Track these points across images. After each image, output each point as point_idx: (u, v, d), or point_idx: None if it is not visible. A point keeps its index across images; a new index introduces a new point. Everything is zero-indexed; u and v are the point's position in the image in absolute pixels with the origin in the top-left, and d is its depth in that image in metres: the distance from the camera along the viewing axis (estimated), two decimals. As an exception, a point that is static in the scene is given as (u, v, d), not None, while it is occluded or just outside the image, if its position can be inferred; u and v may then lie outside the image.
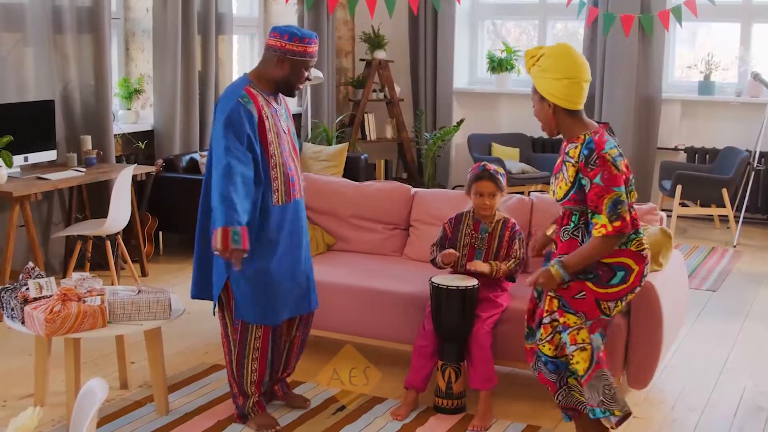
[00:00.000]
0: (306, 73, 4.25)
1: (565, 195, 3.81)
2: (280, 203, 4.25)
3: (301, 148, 8.25)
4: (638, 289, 3.87)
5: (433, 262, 4.91)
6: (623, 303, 3.86)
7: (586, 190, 3.73)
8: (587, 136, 3.73)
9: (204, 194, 4.28)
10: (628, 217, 3.70)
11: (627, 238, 3.77)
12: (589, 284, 3.78)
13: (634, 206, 5.12)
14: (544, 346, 3.93)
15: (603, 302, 3.80)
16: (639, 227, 3.83)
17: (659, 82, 9.69)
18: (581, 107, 3.83)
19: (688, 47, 10.35)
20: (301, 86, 4.30)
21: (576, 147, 3.75)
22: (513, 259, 4.80)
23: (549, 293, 3.87)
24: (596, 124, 3.83)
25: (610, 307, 3.82)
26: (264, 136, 4.17)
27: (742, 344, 5.89)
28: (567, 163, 3.79)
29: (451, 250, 4.77)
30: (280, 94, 4.35)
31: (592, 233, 3.71)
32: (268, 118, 4.19)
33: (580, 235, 3.81)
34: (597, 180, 3.68)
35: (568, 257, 3.77)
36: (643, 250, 3.82)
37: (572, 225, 3.84)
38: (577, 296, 3.79)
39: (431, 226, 5.51)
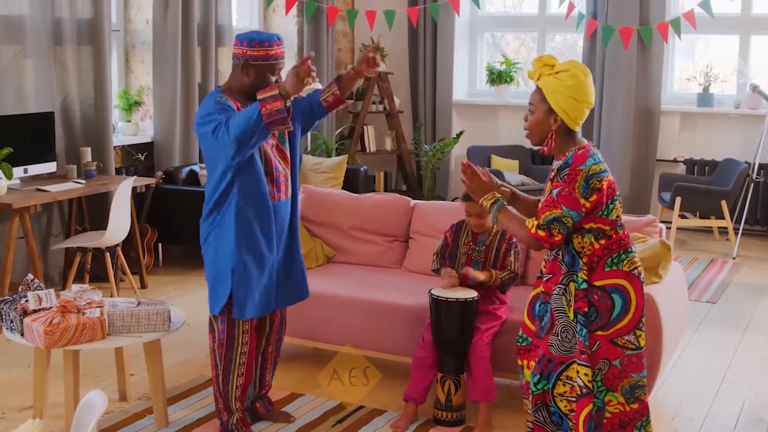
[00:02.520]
0: (273, 78, 4.18)
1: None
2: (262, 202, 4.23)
3: (300, 161, 8.26)
4: (645, 311, 3.74)
5: (435, 271, 4.92)
6: (643, 329, 3.72)
7: (544, 195, 3.68)
8: (570, 152, 3.66)
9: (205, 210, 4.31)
10: (556, 238, 3.59)
11: (618, 257, 3.66)
12: (599, 333, 3.66)
13: (627, 219, 5.04)
14: (561, 400, 3.76)
15: (619, 338, 3.67)
16: (630, 246, 3.71)
17: (658, 94, 9.70)
18: (578, 129, 3.75)
19: (687, 59, 10.37)
20: None
21: (559, 162, 3.69)
22: (507, 272, 4.79)
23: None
24: (586, 141, 3.73)
25: (631, 340, 3.68)
26: None
27: (741, 355, 5.88)
28: (549, 181, 3.73)
29: (452, 275, 4.77)
30: None
31: (528, 227, 3.63)
32: None
33: (561, 254, 3.71)
34: (555, 192, 3.60)
35: (503, 210, 3.73)
36: (635, 269, 3.70)
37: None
38: (594, 349, 3.66)
39: (431, 238, 5.51)
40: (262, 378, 4.64)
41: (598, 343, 3.66)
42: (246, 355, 4.35)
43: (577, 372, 3.66)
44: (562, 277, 3.70)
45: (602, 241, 3.64)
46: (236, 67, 4.21)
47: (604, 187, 3.60)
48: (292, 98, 4.01)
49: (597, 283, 3.65)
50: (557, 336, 3.70)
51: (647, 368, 4.63)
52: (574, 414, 3.71)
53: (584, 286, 3.64)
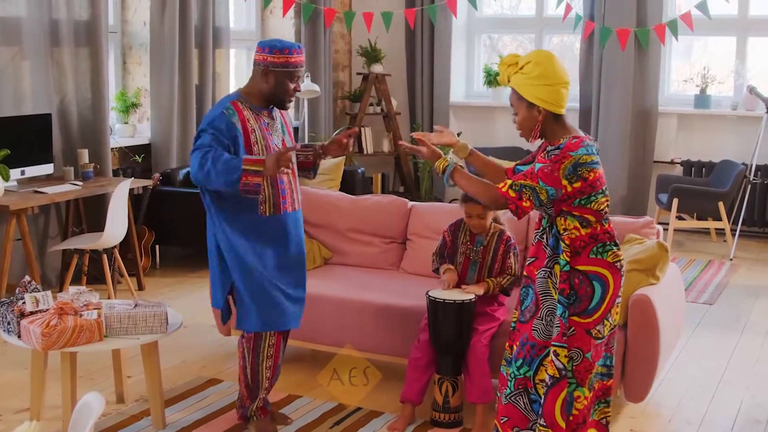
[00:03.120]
0: (292, 85, 4.27)
1: None
2: (267, 214, 4.26)
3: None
4: (619, 301, 3.77)
5: (436, 271, 4.92)
6: (610, 320, 3.76)
7: (527, 166, 3.73)
8: (564, 139, 3.68)
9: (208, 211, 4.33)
10: (524, 203, 3.63)
11: (603, 247, 3.69)
12: (576, 318, 3.68)
13: (624, 221, 5.06)
14: (541, 387, 3.78)
15: (593, 329, 3.71)
16: (615, 240, 3.74)
17: (655, 96, 9.71)
18: (564, 111, 3.79)
19: (684, 61, 10.38)
20: (290, 98, 4.32)
21: (552, 147, 3.71)
22: (507, 276, 4.80)
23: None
24: (582, 133, 3.77)
25: (600, 330, 3.73)
26: (249, 148, 4.21)
27: (739, 357, 5.88)
28: (533, 158, 3.79)
29: (451, 273, 4.78)
30: (276, 109, 4.38)
31: (498, 186, 3.69)
32: (255, 131, 4.24)
33: (545, 238, 3.75)
34: (538, 167, 3.64)
35: (456, 170, 3.81)
36: (618, 262, 3.73)
37: (540, 229, 3.80)
38: (569, 333, 3.69)
39: (428, 239, 5.51)
40: None
41: (573, 328, 3.69)
42: (273, 357, 4.40)
43: (556, 354, 3.69)
44: (547, 261, 3.74)
45: (588, 230, 3.68)
46: (257, 72, 4.28)
47: (591, 178, 3.63)
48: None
49: (579, 267, 3.68)
50: (542, 320, 3.76)
51: (645, 370, 4.66)
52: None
53: (567, 268, 3.68)
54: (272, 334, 4.37)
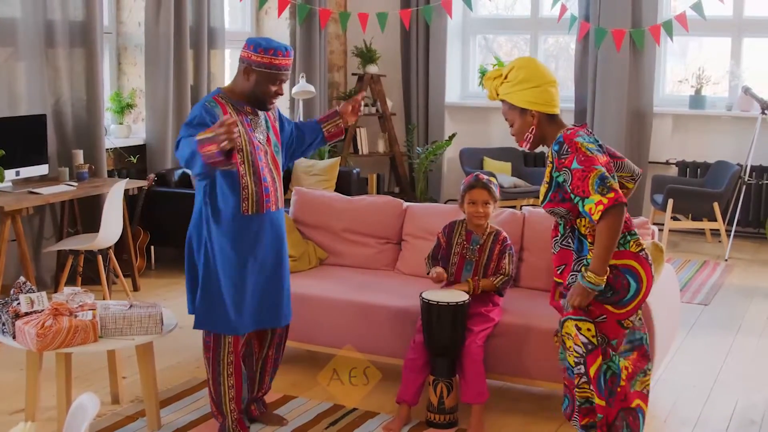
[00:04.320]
0: (273, 88, 4.18)
1: (545, 196, 3.73)
2: (249, 212, 4.21)
3: (292, 164, 8.26)
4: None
5: (429, 274, 4.92)
6: (641, 311, 3.80)
7: (568, 183, 3.59)
8: (560, 134, 3.68)
9: (195, 214, 4.31)
10: (619, 190, 3.53)
11: (624, 238, 3.66)
12: (610, 307, 3.67)
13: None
14: (569, 355, 3.79)
15: (625, 320, 3.71)
16: (633, 228, 3.72)
17: (650, 97, 9.72)
18: (559, 110, 3.78)
19: (679, 62, 10.39)
20: (270, 101, 4.23)
21: (554, 146, 3.69)
22: (501, 276, 4.80)
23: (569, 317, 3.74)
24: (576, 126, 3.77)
25: (633, 321, 3.75)
26: None
27: (734, 358, 5.89)
28: (546, 166, 3.75)
29: (441, 272, 4.78)
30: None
31: (593, 219, 3.52)
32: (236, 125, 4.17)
33: (571, 242, 3.73)
34: (575, 165, 3.56)
35: (591, 264, 3.58)
36: (642, 250, 3.71)
37: (560, 235, 3.78)
38: (599, 319, 3.68)
39: (423, 240, 5.51)
40: (261, 381, 4.64)
41: (604, 316, 3.68)
42: (233, 365, 4.31)
43: (579, 329, 3.69)
44: (574, 264, 3.72)
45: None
46: (240, 69, 4.22)
47: (602, 158, 3.62)
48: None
49: (614, 261, 3.64)
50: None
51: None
52: (580, 369, 3.73)
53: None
54: (230, 339, 4.27)
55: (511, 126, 3.80)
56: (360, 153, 10.37)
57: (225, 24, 8.90)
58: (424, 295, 4.63)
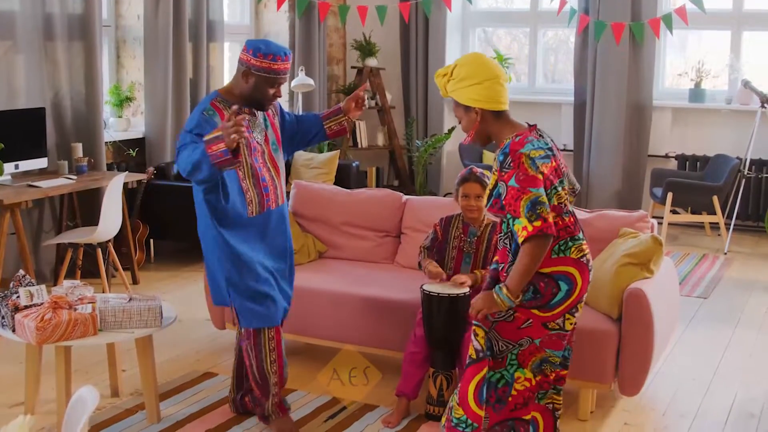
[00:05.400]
0: (271, 91, 4.21)
1: (487, 202, 3.65)
2: (254, 214, 4.27)
3: (292, 156, 8.25)
4: (585, 297, 3.66)
5: (420, 264, 4.91)
6: (576, 316, 3.65)
7: (502, 198, 3.52)
8: (507, 141, 3.59)
9: (198, 210, 4.33)
10: (549, 219, 3.44)
11: (565, 245, 3.57)
12: (535, 311, 3.58)
13: (619, 215, 4.96)
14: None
15: (550, 323, 3.61)
16: (577, 233, 3.61)
17: (650, 90, 9.71)
18: (506, 107, 3.69)
19: (679, 55, 10.38)
20: (269, 103, 4.27)
21: (498, 153, 3.61)
22: None
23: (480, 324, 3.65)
24: (525, 125, 3.66)
25: (559, 323, 3.61)
26: None
27: (733, 351, 5.90)
28: (494, 173, 3.65)
29: (437, 271, 4.76)
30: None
31: (518, 241, 3.48)
32: None
33: (508, 242, 3.61)
34: (512, 182, 3.48)
35: (507, 281, 3.52)
36: (583, 256, 3.61)
37: (502, 233, 3.66)
38: (524, 326, 3.60)
39: (422, 233, 5.51)
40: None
41: (530, 320, 3.59)
42: (275, 351, 4.37)
43: (476, 334, 3.64)
44: (508, 266, 3.59)
45: None
46: (239, 71, 4.23)
47: (546, 171, 3.52)
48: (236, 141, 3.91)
49: (544, 270, 3.55)
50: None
51: (639, 363, 4.66)
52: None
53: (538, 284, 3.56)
54: (270, 328, 4.36)
55: (459, 123, 3.75)
56: (359, 146, 10.36)
57: (224, 17, 8.88)
58: (424, 287, 4.63)
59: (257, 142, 4.27)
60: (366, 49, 10.21)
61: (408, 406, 4.70)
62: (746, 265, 8.23)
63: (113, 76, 8.21)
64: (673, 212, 9.20)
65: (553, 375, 3.72)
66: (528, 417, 3.72)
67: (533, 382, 3.69)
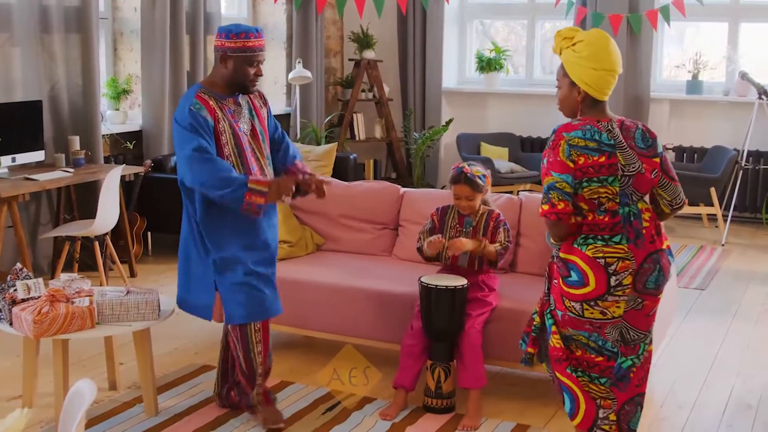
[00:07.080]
0: (252, 70, 4.23)
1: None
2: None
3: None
4: (608, 300, 3.55)
5: (419, 250, 4.89)
6: (595, 308, 3.55)
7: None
8: (574, 121, 3.63)
9: (185, 204, 4.33)
10: (559, 206, 3.48)
11: (584, 240, 3.55)
12: (560, 280, 3.62)
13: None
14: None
15: (567, 300, 3.60)
16: (605, 235, 3.53)
17: (647, 82, 9.71)
18: (607, 98, 3.69)
19: (677, 47, 10.38)
20: (252, 83, 4.27)
21: None
22: (498, 244, 4.76)
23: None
24: (614, 117, 3.67)
25: (575, 307, 3.57)
26: (218, 138, 4.19)
27: (730, 342, 5.90)
28: None
29: (437, 237, 4.71)
30: (242, 95, 4.35)
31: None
32: (220, 120, 4.21)
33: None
34: (544, 161, 3.59)
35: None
36: (602, 258, 3.51)
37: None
38: (555, 281, 3.68)
39: (420, 225, 5.49)
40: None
41: (557, 280, 3.66)
42: (261, 343, 4.37)
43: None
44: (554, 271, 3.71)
45: (578, 218, 3.55)
46: (216, 58, 4.26)
47: (580, 163, 3.50)
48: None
49: (561, 254, 3.61)
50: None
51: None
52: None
53: (556, 255, 3.65)
54: (258, 324, 4.36)
55: (558, 89, 3.74)
56: (357, 138, 10.35)
57: (221, 10, 8.87)
58: (423, 279, 4.63)
59: (243, 132, 4.28)
60: (363, 41, 10.20)
61: (406, 398, 4.70)
62: (743, 256, 8.24)
63: (110, 69, 8.19)
64: (671, 204, 9.19)
65: (580, 353, 3.67)
66: (561, 376, 3.71)
67: (556, 348, 3.69)
